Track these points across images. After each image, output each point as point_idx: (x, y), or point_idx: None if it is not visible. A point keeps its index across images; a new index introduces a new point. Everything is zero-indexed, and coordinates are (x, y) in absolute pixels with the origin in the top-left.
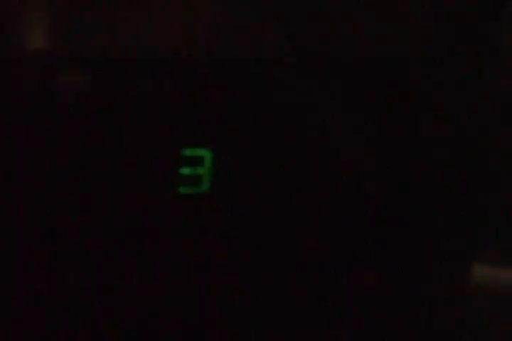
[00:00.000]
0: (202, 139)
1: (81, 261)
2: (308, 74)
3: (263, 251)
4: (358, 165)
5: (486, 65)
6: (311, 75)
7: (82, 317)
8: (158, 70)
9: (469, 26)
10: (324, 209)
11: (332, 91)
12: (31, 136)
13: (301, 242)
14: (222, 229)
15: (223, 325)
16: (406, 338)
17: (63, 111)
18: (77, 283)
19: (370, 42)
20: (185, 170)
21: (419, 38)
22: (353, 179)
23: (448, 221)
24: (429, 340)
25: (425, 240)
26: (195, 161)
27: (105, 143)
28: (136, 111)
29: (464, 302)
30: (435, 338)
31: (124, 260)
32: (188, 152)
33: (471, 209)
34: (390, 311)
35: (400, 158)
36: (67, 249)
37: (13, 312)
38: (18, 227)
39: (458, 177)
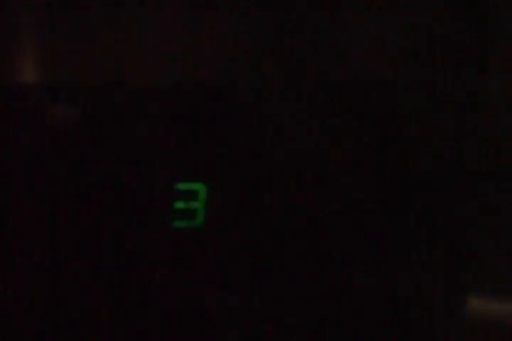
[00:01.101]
0: (196, 173)
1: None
2: (300, 100)
3: (257, 285)
4: (351, 189)
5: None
6: (302, 100)
7: None
8: (152, 103)
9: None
10: (320, 235)
11: (322, 115)
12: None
13: (298, 275)
14: (216, 264)
15: None
16: None
17: (53, 146)
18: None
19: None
20: (180, 204)
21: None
22: (346, 202)
23: (439, 253)
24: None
25: (418, 273)
26: (190, 195)
27: (99, 176)
28: (130, 145)
29: (459, 333)
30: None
31: (118, 293)
32: (182, 186)
33: (463, 242)
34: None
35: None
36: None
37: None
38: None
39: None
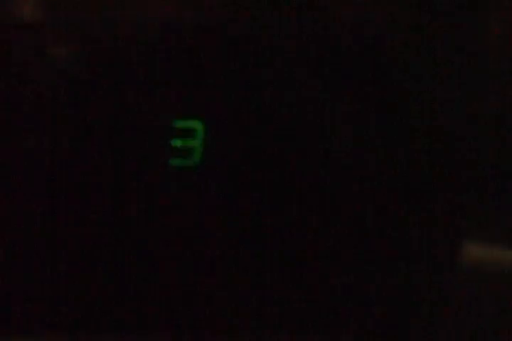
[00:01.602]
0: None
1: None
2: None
3: (254, 225)
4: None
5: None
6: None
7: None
8: (150, 39)
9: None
10: (313, 180)
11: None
12: (23, 108)
13: (291, 215)
14: (213, 202)
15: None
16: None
17: (52, 84)
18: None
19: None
20: (177, 142)
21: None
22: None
23: (437, 200)
24: (416, 316)
25: (416, 216)
26: (187, 133)
27: (97, 115)
28: (128, 82)
29: (451, 280)
30: (421, 314)
31: (116, 235)
32: (179, 124)
33: (462, 187)
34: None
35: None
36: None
37: None
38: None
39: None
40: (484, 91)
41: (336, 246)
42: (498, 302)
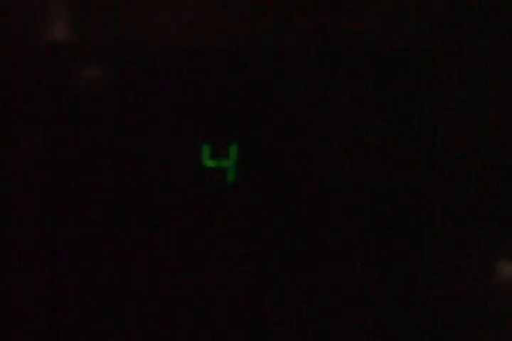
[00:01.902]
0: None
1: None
2: (321, 65)
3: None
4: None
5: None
6: (324, 66)
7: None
8: (183, 63)
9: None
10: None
11: (343, 81)
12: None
13: (325, 234)
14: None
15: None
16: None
17: (83, 105)
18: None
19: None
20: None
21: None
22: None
23: (473, 217)
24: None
25: (451, 237)
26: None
27: (131, 136)
28: (163, 104)
29: (488, 299)
30: (458, 335)
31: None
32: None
33: (497, 205)
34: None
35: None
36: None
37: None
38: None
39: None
40: None
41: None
42: None
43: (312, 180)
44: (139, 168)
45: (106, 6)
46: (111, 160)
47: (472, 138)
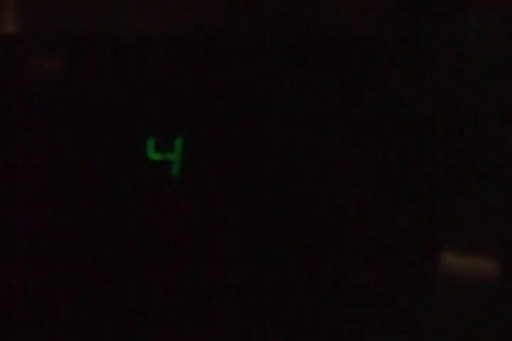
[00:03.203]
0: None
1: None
2: (270, 53)
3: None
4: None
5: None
6: (275, 54)
7: None
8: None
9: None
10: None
11: (290, 70)
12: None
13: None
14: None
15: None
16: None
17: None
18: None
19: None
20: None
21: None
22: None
23: (416, 209)
24: (396, 327)
25: (393, 227)
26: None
27: (78, 128)
28: (109, 95)
29: (431, 290)
30: (402, 324)
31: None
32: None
33: (440, 197)
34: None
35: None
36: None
37: None
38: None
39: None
40: None
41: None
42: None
43: (261, 172)
44: (84, 161)
45: None
46: (57, 152)
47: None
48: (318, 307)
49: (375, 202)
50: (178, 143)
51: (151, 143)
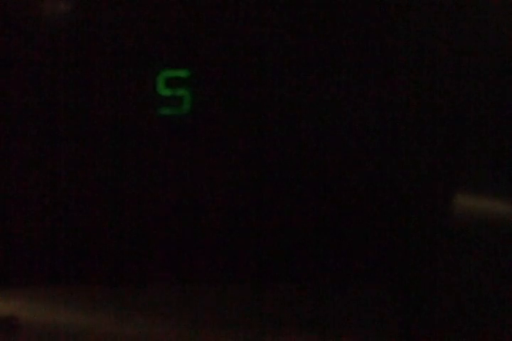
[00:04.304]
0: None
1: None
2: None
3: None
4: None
5: None
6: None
7: None
8: None
9: None
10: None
11: None
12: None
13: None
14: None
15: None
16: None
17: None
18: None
19: None
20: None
21: None
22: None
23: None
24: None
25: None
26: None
27: (84, 65)
28: (115, 33)
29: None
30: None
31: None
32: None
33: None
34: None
35: None
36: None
37: None
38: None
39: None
40: None
41: None
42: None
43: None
44: (93, 100)
45: None
46: (67, 90)
47: None
48: None
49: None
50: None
51: (161, 79)
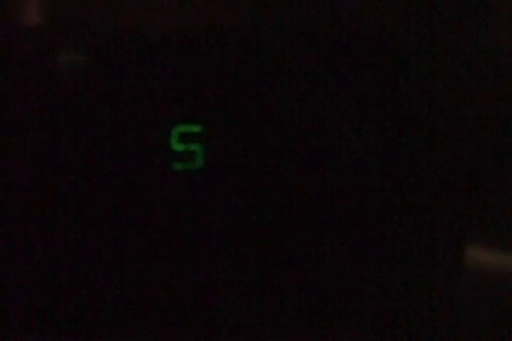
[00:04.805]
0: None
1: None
2: (303, 48)
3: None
4: (355, 144)
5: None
6: (307, 49)
7: None
8: (150, 47)
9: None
10: (321, 182)
11: (326, 65)
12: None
13: (298, 220)
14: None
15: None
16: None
17: (59, 89)
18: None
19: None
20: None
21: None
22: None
23: (441, 204)
24: (422, 320)
25: (419, 222)
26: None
27: (98, 119)
28: (130, 88)
29: (456, 283)
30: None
31: (120, 238)
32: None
33: (466, 192)
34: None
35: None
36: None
37: None
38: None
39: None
40: None
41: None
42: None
43: (284, 164)
44: (108, 153)
45: None
46: (83, 141)
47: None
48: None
49: (398, 196)
50: (202, 134)
51: (175, 134)
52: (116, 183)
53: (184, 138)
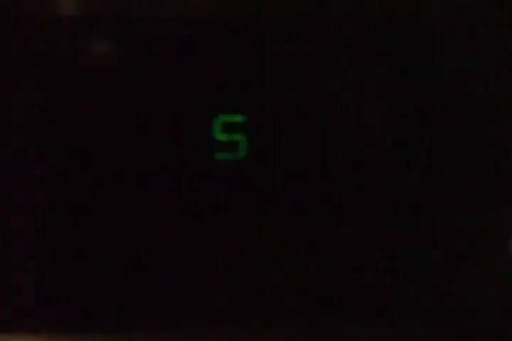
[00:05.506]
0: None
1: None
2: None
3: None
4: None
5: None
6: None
7: None
8: (193, 37)
9: None
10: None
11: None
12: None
13: (338, 212)
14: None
15: None
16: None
17: (91, 78)
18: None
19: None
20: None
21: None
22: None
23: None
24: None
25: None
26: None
27: (140, 109)
28: (171, 77)
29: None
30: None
31: (165, 228)
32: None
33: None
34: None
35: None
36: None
37: None
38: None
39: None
40: None
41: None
42: None
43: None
44: (149, 145)
45: None
46: (121, 130)
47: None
48: None
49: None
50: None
51: (218, 124)
52: (159, 173)
53: (227, 128)
